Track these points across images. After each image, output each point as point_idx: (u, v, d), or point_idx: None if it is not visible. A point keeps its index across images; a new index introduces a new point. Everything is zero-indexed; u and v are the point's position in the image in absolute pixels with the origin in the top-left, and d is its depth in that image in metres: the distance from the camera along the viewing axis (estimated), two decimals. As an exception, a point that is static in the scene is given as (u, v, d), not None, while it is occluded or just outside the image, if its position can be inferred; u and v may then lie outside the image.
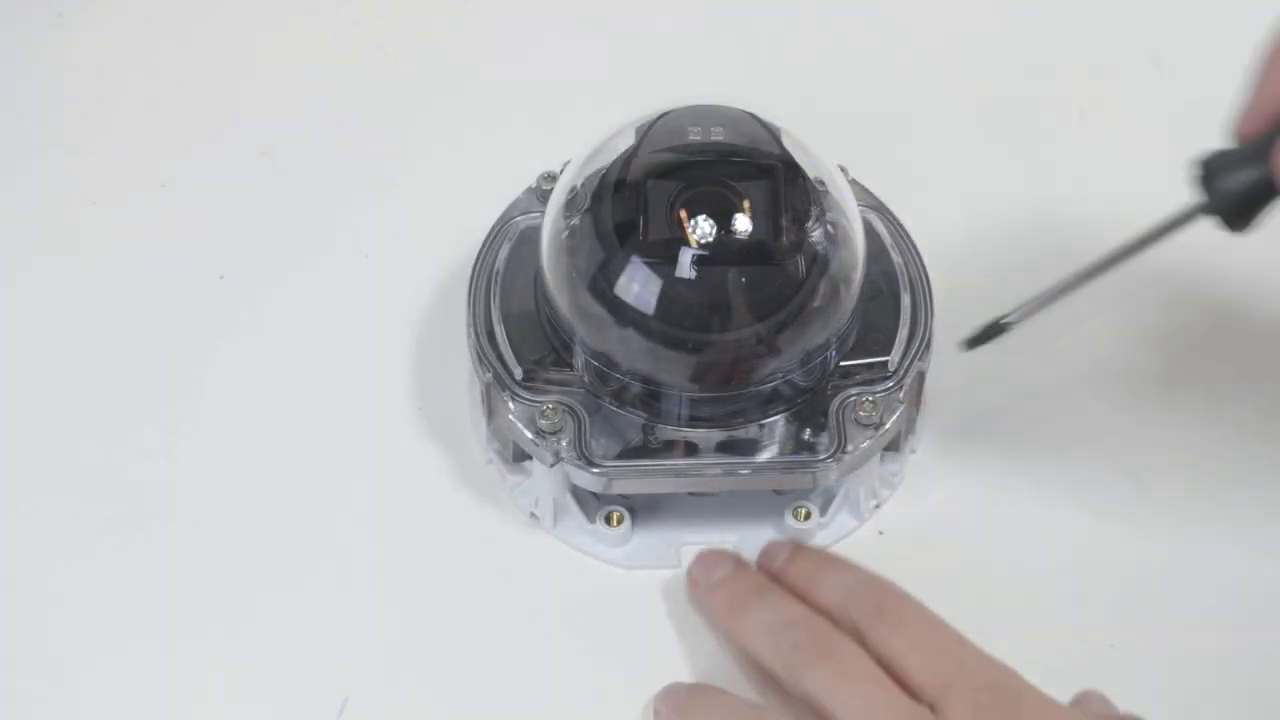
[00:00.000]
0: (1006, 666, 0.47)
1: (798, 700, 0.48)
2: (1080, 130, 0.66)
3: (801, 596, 0.51)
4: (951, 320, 0.57)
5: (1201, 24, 0.69)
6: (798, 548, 0.53)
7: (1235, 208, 0.46)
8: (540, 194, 0.57)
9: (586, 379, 0.53)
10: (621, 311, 0.50)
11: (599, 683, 0.52)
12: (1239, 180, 0.45)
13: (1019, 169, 0.65)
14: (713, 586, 0.52)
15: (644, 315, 0.50)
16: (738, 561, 0.53)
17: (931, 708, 0.46)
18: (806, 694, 0.47)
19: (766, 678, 0.50)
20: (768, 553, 0.53)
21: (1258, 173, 0.46)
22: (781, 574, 0.52)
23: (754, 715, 0.48)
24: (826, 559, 0.52)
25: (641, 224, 0.50)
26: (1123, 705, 0.51)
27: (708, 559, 0.53)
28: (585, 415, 0.52)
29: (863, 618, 0.48)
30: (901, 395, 0.53)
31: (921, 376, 0.54)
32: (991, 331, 0.51)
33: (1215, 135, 0.65)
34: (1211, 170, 0.46)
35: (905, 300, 0.55)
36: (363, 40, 0.70)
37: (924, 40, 0.69)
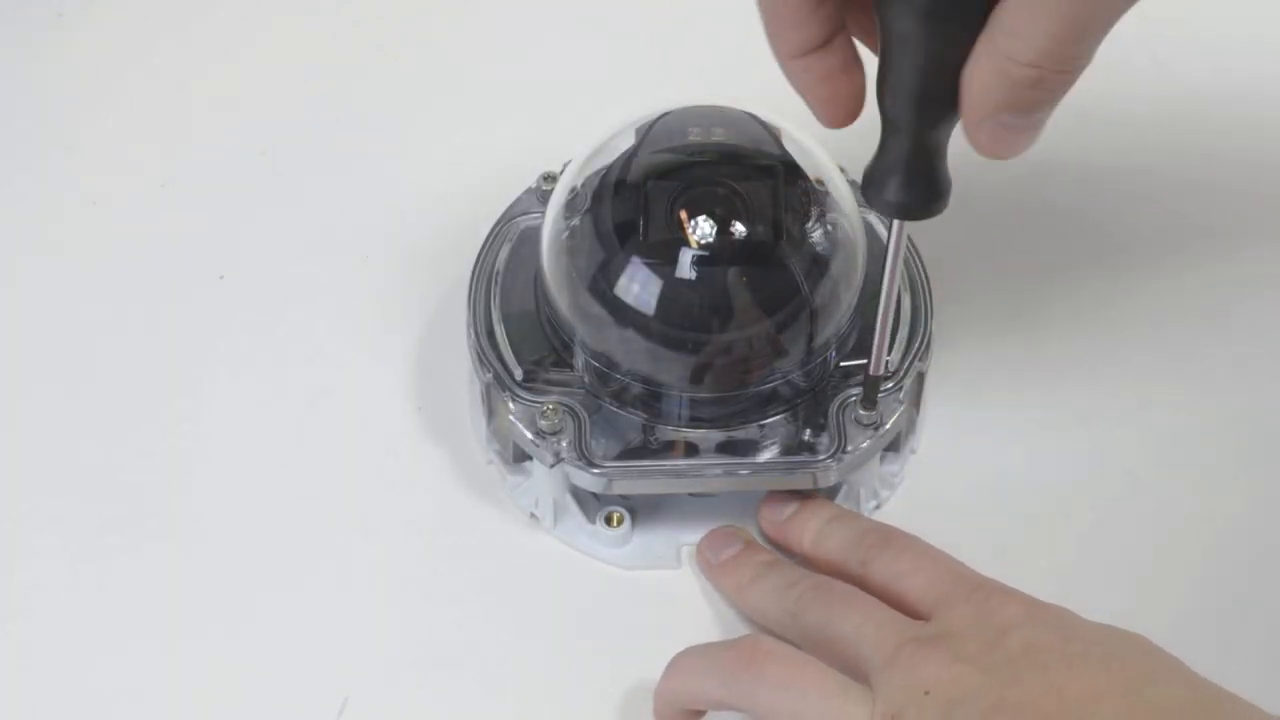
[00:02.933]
0: (1006, 585, 0.47)
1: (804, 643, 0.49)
2: (1080, 129, 0.66)
3: (811, 545, 0.52)
4: (952, 320, 0.57)
5: (1202, 23, 0.69)
6: (807, 501, 0.53)
7: (907, 209, 0.46)
8: (540, 194, 0.57)
9: (586, 379, 0.53)
10: (622, 312, 0.50)
11: (599, 683, 0.52)
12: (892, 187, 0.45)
13: (1018, 169, 0.65)
14: (722, 565, 0.53)
15: (644, 316, 0.50)
16: (746, 540, 0.54)
17: (929, 617, 0.47)
18: (807, 629, 0.48)
19: None
20: (772, 505, 0.54)
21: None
22: (792, 521, 0.53)
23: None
24: (842, 511, 0.53)
25: (642, 225, 0.50)
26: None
27: (717, 538, 0.54)
28: (585, 416, 0.52)
29: (870, 550, 0.50)
30: (901, 395, 0.53)
31: (921, 377, 0.54)
32: (873, 386, 0.52)
33: (1215, 134, 0.66)
34: (869, 184, 0.46)
35: (905, 301, 0.55)
36: (363, 40, 0.70)
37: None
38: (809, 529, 0.52)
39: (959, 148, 0.50)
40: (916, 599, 0.47)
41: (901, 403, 0.53)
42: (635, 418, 0.52)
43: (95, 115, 0.67)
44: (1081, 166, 0.65)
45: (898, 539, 0.50)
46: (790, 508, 0.53)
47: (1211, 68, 0.68)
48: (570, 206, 0.53)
